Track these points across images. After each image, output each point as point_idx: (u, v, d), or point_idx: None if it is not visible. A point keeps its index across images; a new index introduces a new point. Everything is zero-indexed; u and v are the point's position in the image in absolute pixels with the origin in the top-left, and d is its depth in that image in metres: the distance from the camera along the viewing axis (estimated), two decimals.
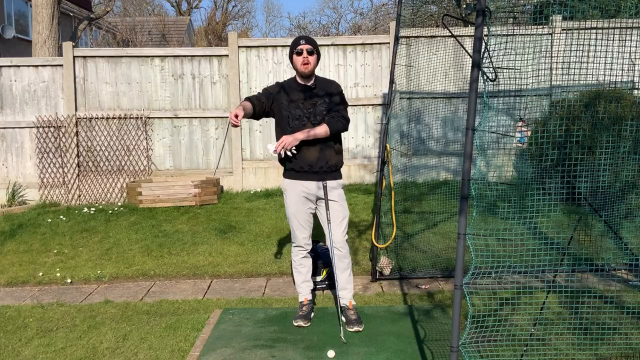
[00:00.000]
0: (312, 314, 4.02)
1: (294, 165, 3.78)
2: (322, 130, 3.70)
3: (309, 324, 3.90)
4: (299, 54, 3.73)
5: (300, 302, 4.02)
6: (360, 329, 3.76)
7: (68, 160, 8.06)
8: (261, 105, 3.76)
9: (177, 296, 4.68)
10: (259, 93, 3.84)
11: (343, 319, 3.85)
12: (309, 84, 3.81)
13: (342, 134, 3.91)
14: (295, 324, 3.87)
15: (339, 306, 3.85)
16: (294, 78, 3.86)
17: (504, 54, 2.89)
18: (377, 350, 3.46)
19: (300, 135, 3.66)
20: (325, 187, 3.78)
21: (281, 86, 3.85)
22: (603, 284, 4.47)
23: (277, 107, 3.79)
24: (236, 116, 3.47)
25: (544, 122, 6.28)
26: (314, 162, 3.74)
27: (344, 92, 3.94)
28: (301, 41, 3.75)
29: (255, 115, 3.77)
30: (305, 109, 3.76)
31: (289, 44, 8.57)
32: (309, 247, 3.96)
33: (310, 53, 3.73)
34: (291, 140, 3.65)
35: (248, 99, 3.75)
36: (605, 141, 4.58)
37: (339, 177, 3.87)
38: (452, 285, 2.64)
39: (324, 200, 3.82)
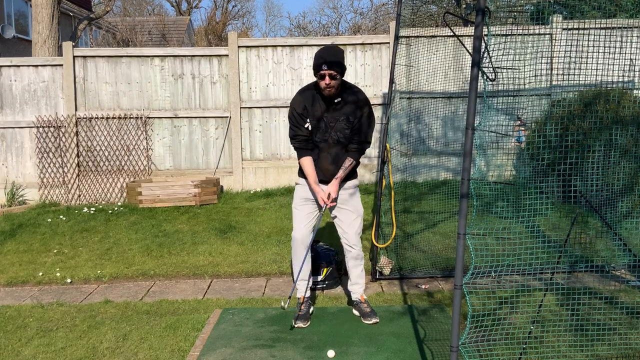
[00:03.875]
0: (312, 310, 4.06)
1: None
2: (350, 166, 3.81)
3: (308, 324, 3.90)
4: (322, 78, 3.59)
5: (298, 300, 4.04)
6: (377, 320, 3.86)
7: (68, 160, 8.06)
8: (310, 141, 3.82)
9: (177, 296, 4.68)
10: (296, 129, 3.79)
11: (356, 312, 3.99)
12: (334, 99, 3.73)
13: None
14: (295, 325, 3.87)
15: (352, 301, 4.04)
16: (320, 88, 3.72)
17: (503, 54, 2.89)
18: (377, 350, 3.46)
19: (335, 188, 3.80)
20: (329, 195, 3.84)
21: (310, 96, 3.76)
22: (602, 283, 4.47)
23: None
24: (328, 197, 3.74)
25: (543, 122, 6.28)
26: (328, 173, 3.82)
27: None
28: (324, 66, 3.54)
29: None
30: (327, 122, 3.75)
31: (289, 43, 8.64)
32: (307, 240, 3.93)
33: (332, 78, 3.57)
34: (333, 193, 3.79)
35: (302, 151, 3.81)
36: (601, 140, 4.58)
37: (354, 177, 3.95)
38: (452, 285, 2.64)
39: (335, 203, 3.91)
